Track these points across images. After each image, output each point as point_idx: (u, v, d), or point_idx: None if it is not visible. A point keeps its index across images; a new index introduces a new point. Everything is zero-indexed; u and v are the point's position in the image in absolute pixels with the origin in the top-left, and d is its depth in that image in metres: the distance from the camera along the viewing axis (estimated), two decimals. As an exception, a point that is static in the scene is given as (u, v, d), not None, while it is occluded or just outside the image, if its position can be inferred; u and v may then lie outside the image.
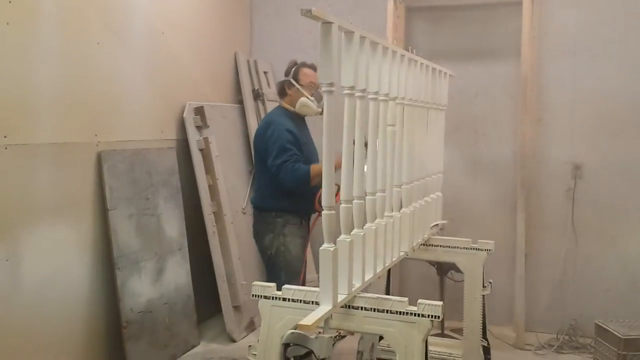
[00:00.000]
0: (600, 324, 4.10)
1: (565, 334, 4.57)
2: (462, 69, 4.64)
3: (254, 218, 3.85)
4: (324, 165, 2.03)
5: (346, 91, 2.13)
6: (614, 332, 3.93)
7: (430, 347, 2.36)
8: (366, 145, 2.36)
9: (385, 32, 4.70)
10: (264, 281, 3.83)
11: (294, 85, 3.73)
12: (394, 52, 2.58)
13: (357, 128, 2.17)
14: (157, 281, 4.08)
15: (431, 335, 2.78)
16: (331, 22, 1.94)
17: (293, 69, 3.76)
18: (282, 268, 3.66)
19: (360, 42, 2.18)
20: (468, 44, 4.92)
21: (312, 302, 2.17)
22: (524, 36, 4.53)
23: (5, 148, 3.12)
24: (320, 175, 2.08)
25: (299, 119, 3.78)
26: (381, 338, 3.55)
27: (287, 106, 3.80)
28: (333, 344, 2.13)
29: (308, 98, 3.69)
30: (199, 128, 4.63)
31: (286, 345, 2.18)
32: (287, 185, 3.56)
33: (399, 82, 2.67)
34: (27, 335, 3.27)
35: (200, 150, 4.58)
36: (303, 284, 3.75)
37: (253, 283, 2.30)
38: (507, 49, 4.78)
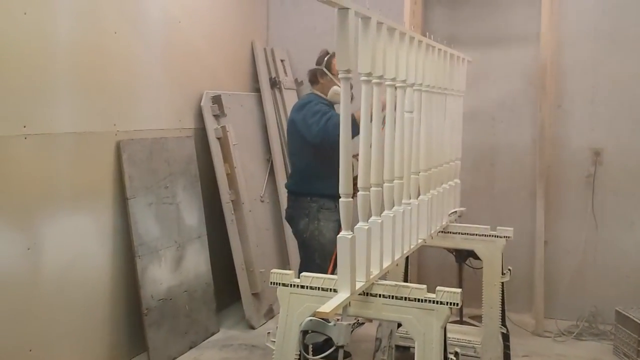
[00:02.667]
0: (621, 311, 4.08)
1: (585, 320, 4.54)
2: (481, 55, 4.60)
3: (289, 202, 3.99)
4: (341, 153, 2.03)
5: (363, 77, 2.12)
6: (635, 319, 3.90)
7: (449, 334, 2.36)
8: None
9: (403, 17, 4.66)
10: (298, 263, 3.98)
11: (326, 75, 3.88)
12: (411, 38, 2.57)
13: (375, 115, 2.16)
14: (177, 269, 4.12)
15: (450, 323, 2.78)
16: (348, 8, 1.92)
17: (325, 59, 3.89)
18: (316, 250, 3.81)
19: (378, 27, 2.16)
20: (486, 29, 4.87)
21: (331, 289, 2.17)
22: (544, 20, 4.47)
23: (25, 138, 3.16)
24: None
25: (329, 106, 3.89)
26: (399, 325, 3.56)
27: (319, 93, 3.95)
28: (351, 331, 2.13)
29: (339, 86, 3.74)
30: (216, 117, 4.64)
31: (305, 332, 2.19)
32: (336, 139, 3.58)
33: (416, 68, 2.65)
34: (49, 322, 3.32)
35: (218, 138, 4.60)
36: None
37: (271, 270, 2.31)
38: (526, 33, 4.72)
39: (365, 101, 2.10)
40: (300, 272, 4.02)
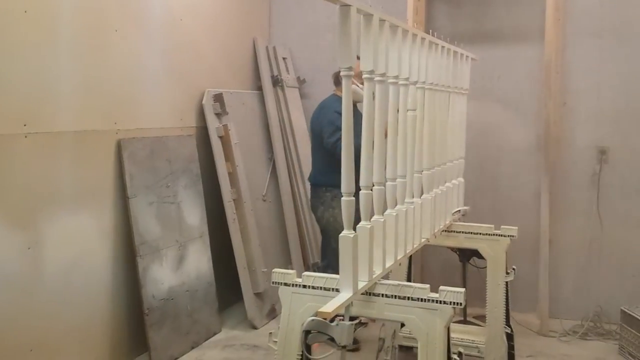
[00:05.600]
0: (626, 310, 4.05)
1: (590, 320, 4.51)
2: (485, 52, 4.56)
3: (310, 193, 4.44)
4: (343, 152, 2.01)
5: (365, 75, 2.10)
6: (641, 319, 3.88)
7: (452, 334, 2.33)
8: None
9: (406, 15, 4.63)
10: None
11: None
12: (414, 35, 2.54)
13: (377, 113, 2.13)
14: (179, 268, 4.10)
15: (453, 322, 2.75)
16: (349, 5, 1.90)
17: None
18: (332, 236, 4.14)
19: (380, 25, 2.14)
20: (490, 26, 4.84)
21: (333, 289, 2.15)
22: (548, 17, 4.44)
23: (25, 137, 3.14)
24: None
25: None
26: (403, 325, 3.53)
27: (340, 94, 3.96)
28: (354, 331, 2.11)
29: (357, 86, 3.80)
30: (218, 115, 4.62)
31: (307, 332, 2.17)
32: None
33: (419, 65, 2.62)
34: (50, 321, 3.31)
35: (220, 137, 4.58)
36: None
37: (273, 270, 2.29)
38: (530, 31, 4.70)
39: (367, 98, 2.08)
40: (322, 255, 4.40)
